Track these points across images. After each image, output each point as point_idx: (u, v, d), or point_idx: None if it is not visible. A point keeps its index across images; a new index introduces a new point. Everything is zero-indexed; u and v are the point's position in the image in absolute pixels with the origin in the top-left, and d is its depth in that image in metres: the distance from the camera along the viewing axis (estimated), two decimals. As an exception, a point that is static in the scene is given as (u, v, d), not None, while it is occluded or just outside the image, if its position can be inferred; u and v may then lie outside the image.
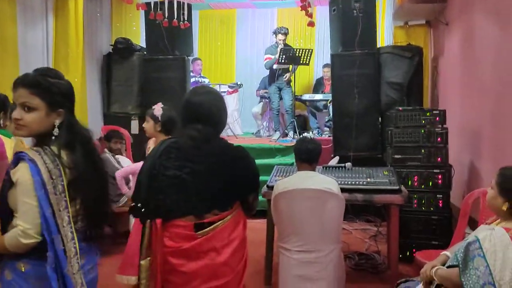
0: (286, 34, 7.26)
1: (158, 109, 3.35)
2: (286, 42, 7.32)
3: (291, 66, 7.16)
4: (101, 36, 6.57)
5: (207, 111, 2.13)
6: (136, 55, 6.37)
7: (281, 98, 7.31)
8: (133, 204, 2.06)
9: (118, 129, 5.56)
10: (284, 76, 7.19)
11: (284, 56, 6.83)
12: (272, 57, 7.20)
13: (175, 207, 2.03)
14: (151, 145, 3.53)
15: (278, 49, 7.07)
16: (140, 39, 7.09)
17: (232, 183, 2.11)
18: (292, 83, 7.23)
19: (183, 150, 2.09)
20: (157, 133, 3.34)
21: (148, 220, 2.02)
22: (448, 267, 2.15)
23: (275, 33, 7.34)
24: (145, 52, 6.38)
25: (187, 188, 2.04)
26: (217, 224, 2.06)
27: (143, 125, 3.48)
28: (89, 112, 6.02)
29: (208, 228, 2.05)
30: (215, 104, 2.17)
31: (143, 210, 2.03)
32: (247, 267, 2.21)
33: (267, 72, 7.84)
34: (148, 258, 2.04)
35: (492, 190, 2.28)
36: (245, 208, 2.23)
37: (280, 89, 7.24)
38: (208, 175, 2.06)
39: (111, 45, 6.51)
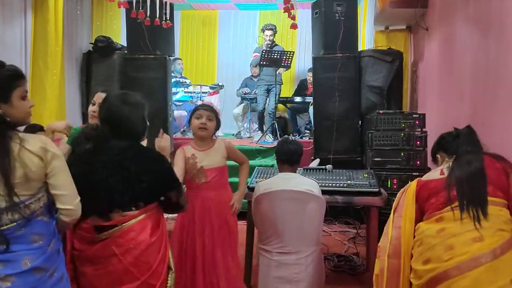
0: (273, 30, 7.31)
1: None
2: (274, 39, 7.34)
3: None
4: (81, 34, 6.46)
5: (107, 113, 2.22)
6: (117, 54, 6.25)
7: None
8: None
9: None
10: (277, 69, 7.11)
11: (264, 58, 6.82)
12: (258, 54, 7.21)
13: (83, 206, 1.99)
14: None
15: (264, 46, 7.10)
16: (121, 38, 7.00)
17: (132, 182, 2.10)
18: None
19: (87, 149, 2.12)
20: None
21: None
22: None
23: (263, 30, 7.40)
24: (125, 51, 6.29)
25: (90, 186, 2.03)
26: (119, 227, 2.06)
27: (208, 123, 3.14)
28: (68, 111, 5.90)
29: (109, 231, 2.05)
30: (115, 105, 2.22)
31: None
32: (166, 273, 2.18)
33: (249, 73, 7.87)
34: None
35: None
36: (169, 207, 2.26)
37: (268, 90, 7.22)
38: (105, 173, 2.07)
39: (91, 43, 6.41)
